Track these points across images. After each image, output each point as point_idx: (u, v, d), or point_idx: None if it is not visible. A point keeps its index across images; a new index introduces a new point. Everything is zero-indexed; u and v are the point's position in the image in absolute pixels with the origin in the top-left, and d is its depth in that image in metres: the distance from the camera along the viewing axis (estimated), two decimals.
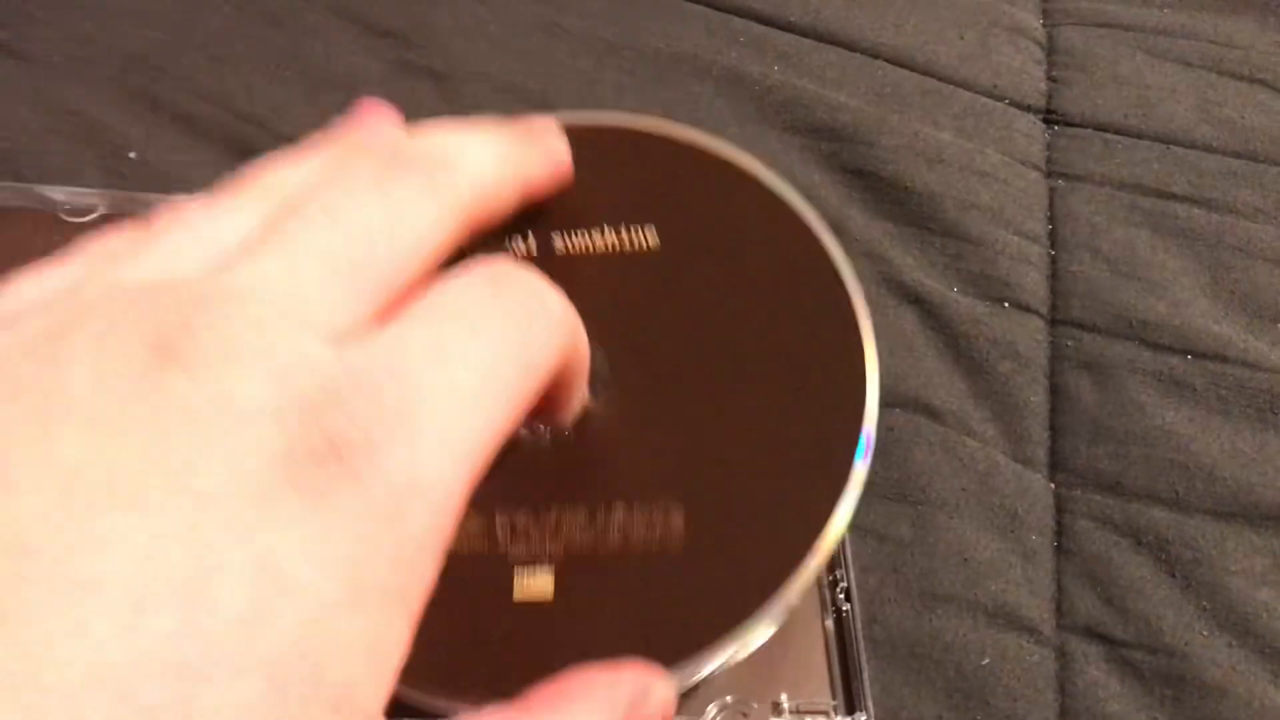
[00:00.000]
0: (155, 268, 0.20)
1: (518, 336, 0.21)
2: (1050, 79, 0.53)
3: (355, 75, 0.50)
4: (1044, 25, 0.56)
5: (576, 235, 0.30)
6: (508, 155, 0.24)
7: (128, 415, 0.16)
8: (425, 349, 0.19)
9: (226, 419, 0.17)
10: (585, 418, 0.27)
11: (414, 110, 0.49)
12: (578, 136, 0.29)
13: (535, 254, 0.29)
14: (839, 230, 0.46)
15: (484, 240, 0.26)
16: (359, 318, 0.20)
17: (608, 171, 0.30)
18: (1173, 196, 0.48)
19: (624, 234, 0.30)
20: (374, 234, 0.21)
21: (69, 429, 0.16)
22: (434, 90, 0.50)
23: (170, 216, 0.21)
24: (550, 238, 0.30)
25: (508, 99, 0.49)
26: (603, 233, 0.30)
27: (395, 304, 0.20)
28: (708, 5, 0.53)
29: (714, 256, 0.30)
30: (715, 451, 0.28)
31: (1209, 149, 0.50)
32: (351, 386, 0.18)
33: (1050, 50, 0.54)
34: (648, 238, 0.30)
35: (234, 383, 0.17)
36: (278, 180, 0.22)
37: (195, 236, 0.20)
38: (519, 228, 0.29)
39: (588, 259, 0.30)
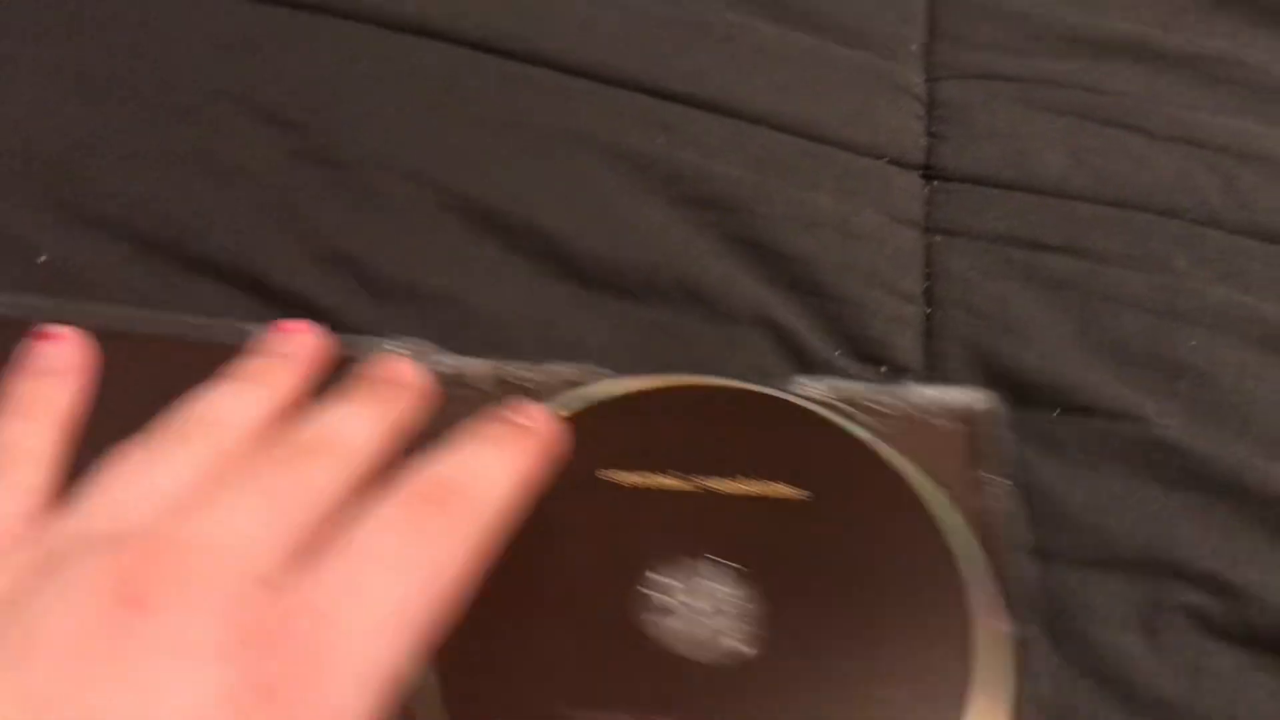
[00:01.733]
0: (112, 517, 0.24)
1: (433, 569, 0.27)
2: (930, 134, 0.55)
3: (258, 166, 0.52)
4: (925, 80, 0.57)
5: (731, 481, 0.38)
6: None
7: (96, 652, 0.20)
8: (346, 590, 0.24)
9: (182, 658, 0.20)
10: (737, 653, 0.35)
11: (314, 199, 0.51)
12: (743, 400, 0.41)
13: (686, 486, 0.38)
14: (726, 294, 0.48)
15: (641, 467, 0.38)
16: (291, 559, 0.24)
17: (752, 433, 0.40)
18: (1045, 247, 0.50)
19: (772, 486, 0.38)
20: (299, 491, 0.27)
21: (42, 663, 0.19)
22: (333, 177, 0.51)
23: (118, 464, 0.25)
24: (707, 479, 0.38)
25: (405, 183, 0.51)
26: (753, 483, 0.38)
27: (322, 538, 0.25)
28: (594, 79, 0.55)
29: (850, 520, 0.38)
30: (846, 683, 0.35)
31: (1081, 198, 0.52)
32: (283, 631, 0.22)
33: (930, 105, 0.56)
34: (790, 493, 0.38)
35: (188, 626, 0.21)
36: (208, 422, 0.29)
37: (142, 487, 0.25)
38: (672, 466, 0.38)
39: (738, 500, 0.38)
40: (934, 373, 0.47)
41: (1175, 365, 0.46)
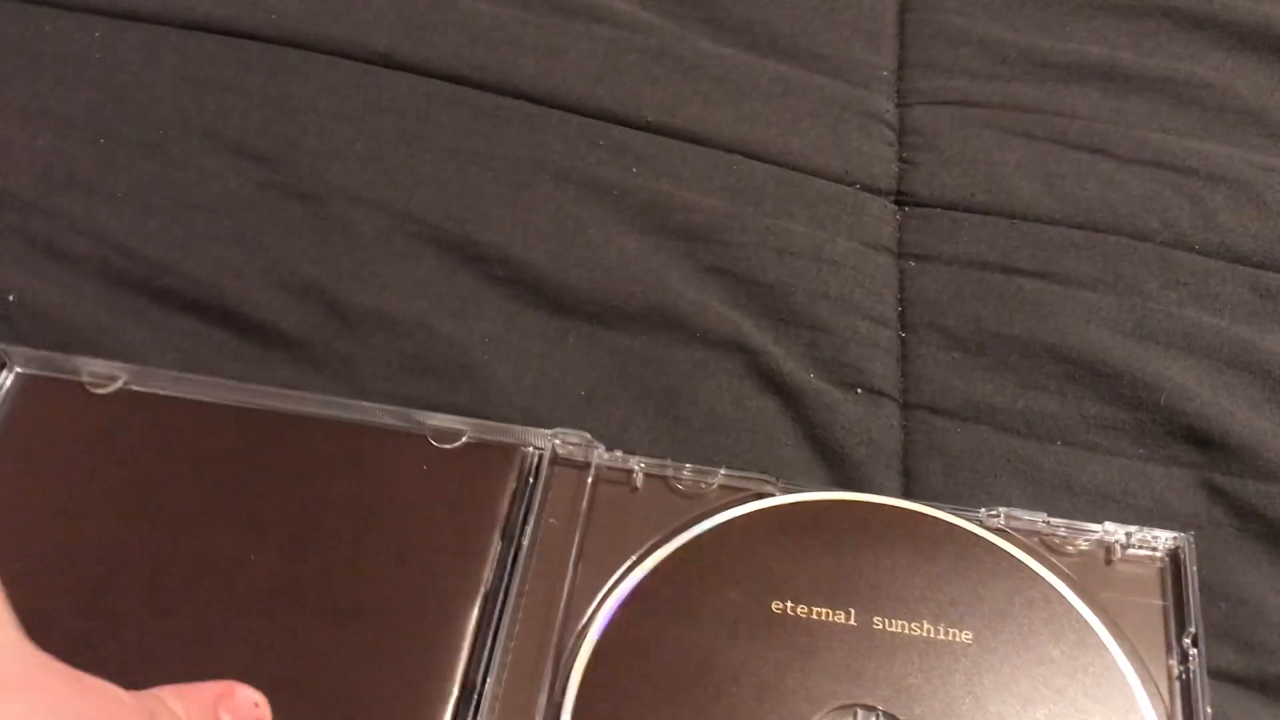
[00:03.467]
0: None
1: None
2: (901, 160, 0.55)
3: (228, 200, 0.51)
4: (896, 106, 0.57)
5: (895, 621, 0.37)
6: None
7: None
8: None
9: None
10: None
11: (284, 231, 0.51)
12: (917, 525, 0.40)
13: (854, 623, 0.37)
14: (700, 320, 0.48)
15: (813, 600, 0.37)
16: None
17: (924, 563, 0.39)
18: (1017, 271, 0.50)
19: (939, 629, 0.37)
20: None
21: None
22: (303, 209, 0.51)
23: None
24: (871, 617, 0.37)
25: (375, 214, 0.51)
26: (920, 626, 0.37)
27: None
28: (567, 110, 0.55)
29: (1020, 664, 0.36)
30: None
31: (1052, 221, 0.52)
32: None
33: (901, 132, 0.56)
34: (959, 635, 0.37)
35: None
36: None
37: None
38: (842, 600, 0.37)
39: (900, 639, 0.37)
40: (908, 396, 0.47)
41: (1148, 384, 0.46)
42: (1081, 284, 0.49)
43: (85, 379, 0.42)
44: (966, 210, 0.53)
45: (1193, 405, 0.45)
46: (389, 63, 0.56)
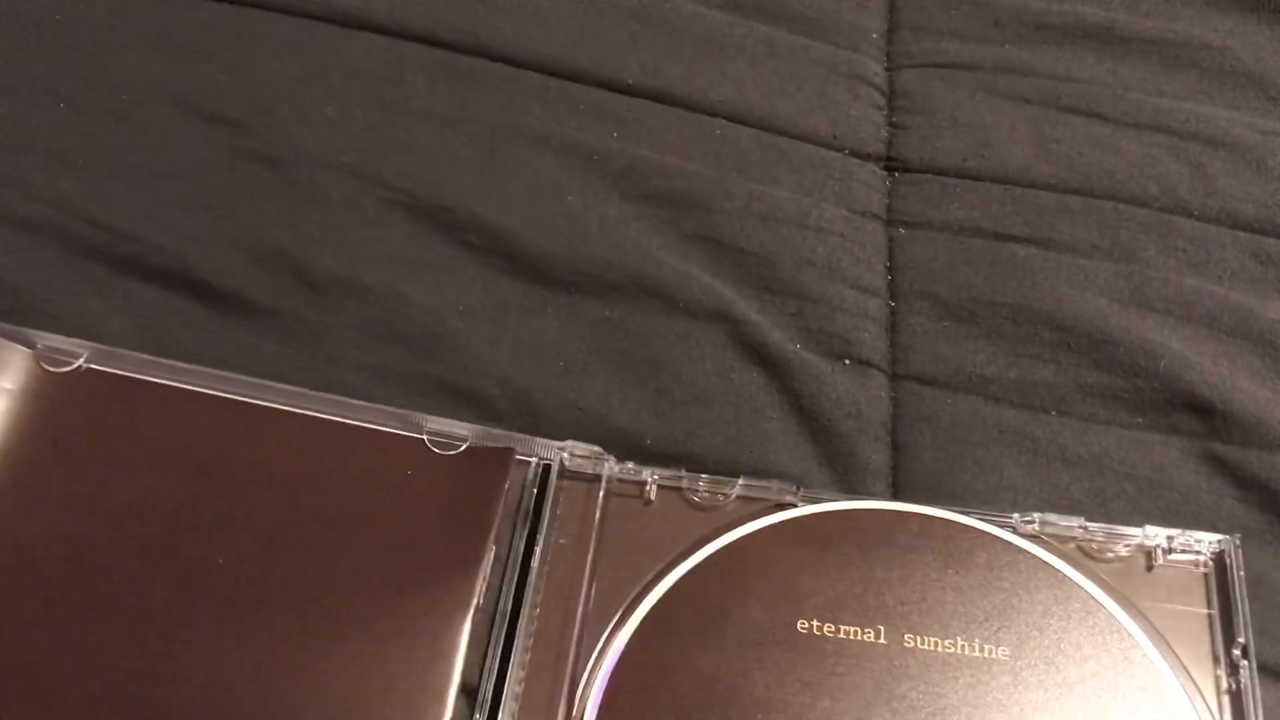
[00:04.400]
0: None
1: None
2: (891, 125, 0.53)
3: (194, 166, 0.50)
4: (886, 70, 0.56)
5: (928, 638, 0.35)
6: None
7: None
8: None
9: None
10: None
11: (252, 198, 0.49)
12: (947, 534, 0.37)
13: (884, 641, 0.35)
14: (682, 289, 0.46)
15: (842, 619, 0.35)
16: None
17: (956, 575, 0.36)
18: (1011, 238, 0.49)
19: (974, 645, 0.35)
20: None
21: None
22: (272, 176, 0.49)
23: None
24: (901, 634, 0.35)
25: (346, 180, 0.49)
26: (954, 643, 0.35)
27: None
28: (546, 72, 0.53)
29: (1060, 680, 0.34)
30: None
31: (1047, 187, 0.50)
32: None
33: (891, 95, 0.54)
34: (996, 651, 0.35)
35: None
36: None
37: None
38: (872, 618, 0.35)
39: (934, 657, 0.35)
40: (897, 366, 0.45)
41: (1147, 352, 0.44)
42: (1077, 250, 0.48)
43: (40, 354, 0.40)
44: (958, 176, 0.51)
45: (1193, 374, 0.44)
46: (361, 25, 0.54)
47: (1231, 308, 0.46)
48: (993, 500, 0.41)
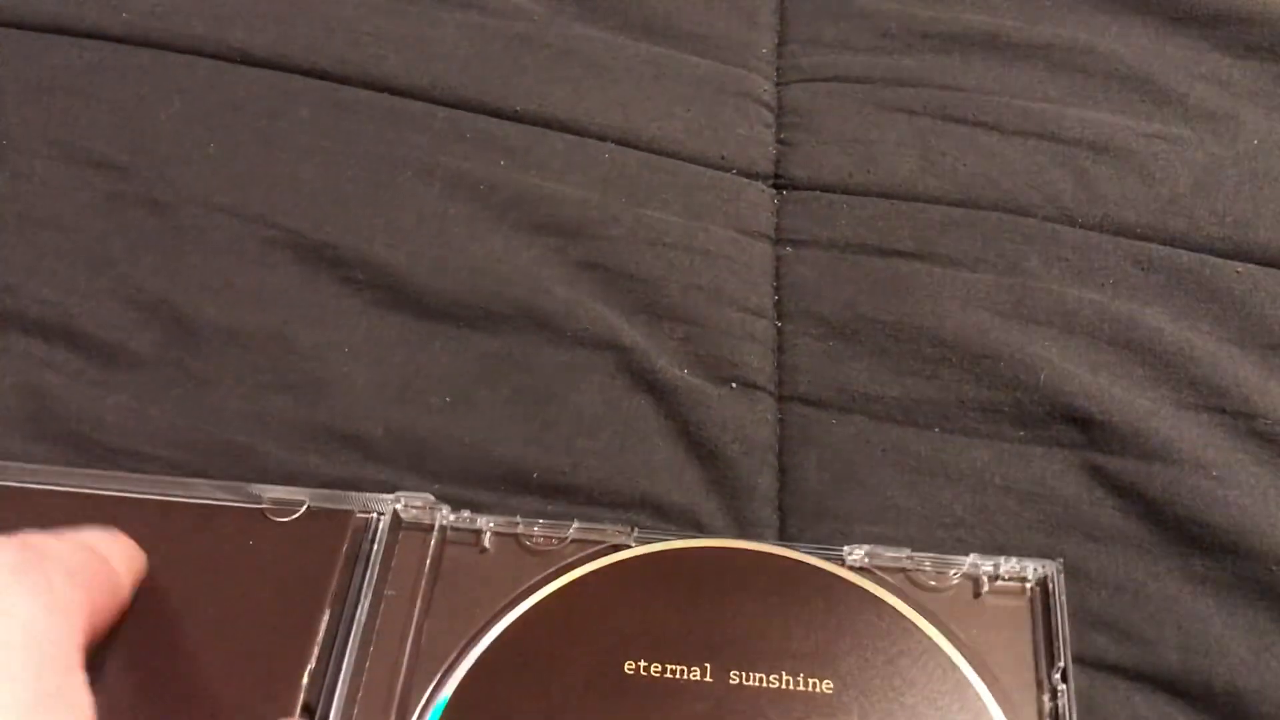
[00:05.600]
0: None
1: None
2: (779, 142, 0.53)
3: (74, 213, 0.49)
4: (775, 85, 0.56)
5: (753, 674, 0.35)
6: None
7: None
8: None
9: None
10: None
11: (134, 244, 0.48)
12: (774, 569, 0.37)
13: (710, 679, 0.35)
14: (571, 319, 0.46)
15: (667, 658, 0.36)
16: None
17: (784, 610, 0.36)
18: (895, 253, 0.49)
19: (798, 680, 0.35)
20: None
21: None
22: (154, 220, 0.49)
23: None
24: (727, 671, 0.35)
25: (230, 221, 0.49)
26: (779, 678, 0.35)
27: None
28: (431, 101, 0.53)
29: (883, 713, 0.35)
30: None
31: (932, 200, 0.50)
32: None
33: (780, 112, 0.54)
34: (820, 686, 0.35)
35: None
36: None
37: None
38: (698, 656, 0.35)
39: (759, 693, 0.35)
40: (784, 388, 0.46)
41: (1027, 365, 0.44)
42: (961, 264, 0.48)
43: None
44: (844, 192, 0.51)
45: (1072, 385, 0.44)
46: (246, 59, 0.54)
47: (1113, 317, 0.46)
48: (878, 520, 0.42)
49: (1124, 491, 0.42)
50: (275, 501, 0.38)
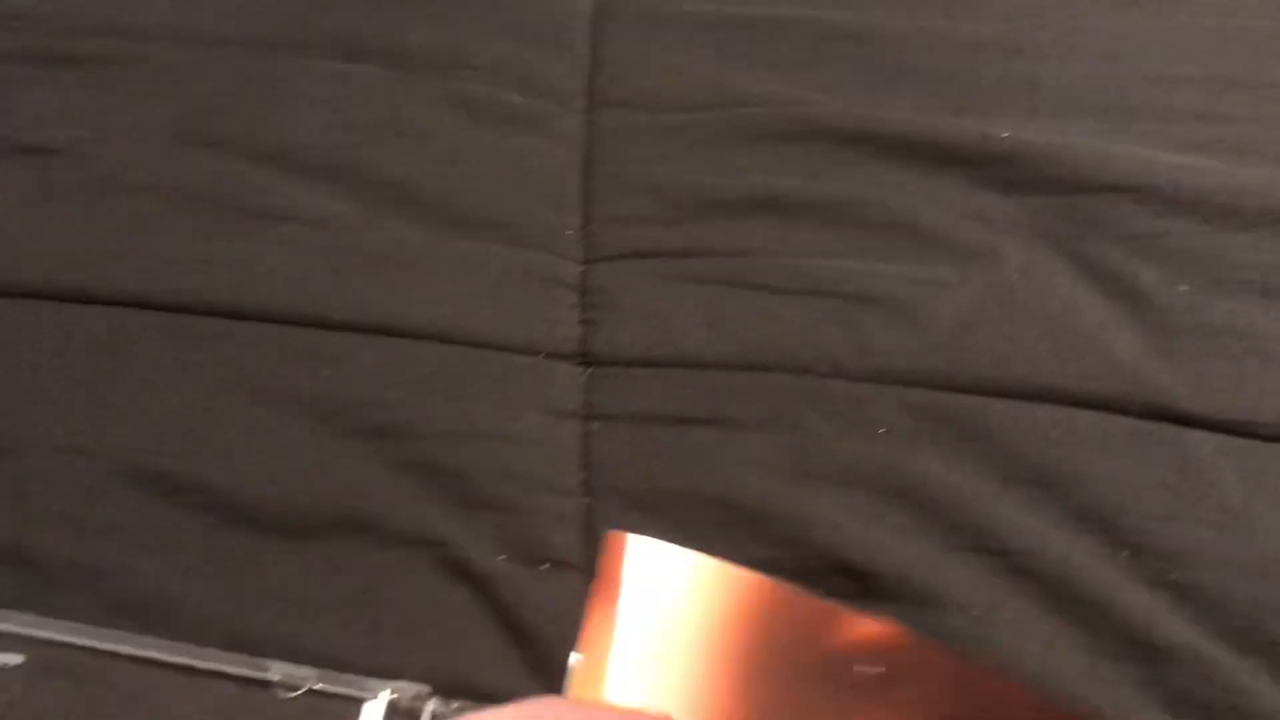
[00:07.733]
0: None
1: None
2: (584, 321, 0.58)
3: None
4: (582, 264, 0.60)
5: None
6: None
7: None
8: None
9: None
10: None
11: None
12: None
13: None
14: (390, 520, 0.50)
15: None
16: None
17: None
18: (690, 421, 0.53)
19: None
20: None
21: None
22: (1, 468, 0.52)
23: None
24: None
25: (72, 459, 0.52)
26: None
27: None
28: (260, 320, 0.57)
29: None
30: None
31: (720, 366, 0.55)
32: None
33: (584, 292, 0.59)
34: None
35: None
36: None
37: None
38: None
39: None
40: (593, 563, 0.50)
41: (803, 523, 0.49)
42: (746, 427, 0.53)
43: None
44: (645, 365, 0.56)
45: (843, 538, 0.48)
46: (82, 298, 0.58)
47: (883, 466, 0.51)
48: None
49: None
50: (282, 676, 0.43)
